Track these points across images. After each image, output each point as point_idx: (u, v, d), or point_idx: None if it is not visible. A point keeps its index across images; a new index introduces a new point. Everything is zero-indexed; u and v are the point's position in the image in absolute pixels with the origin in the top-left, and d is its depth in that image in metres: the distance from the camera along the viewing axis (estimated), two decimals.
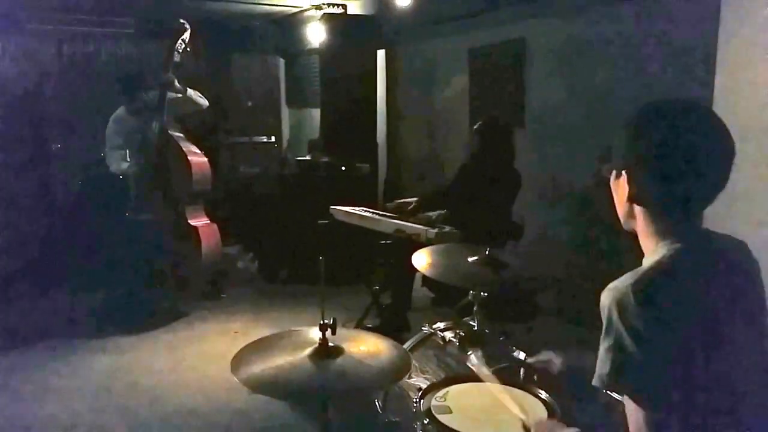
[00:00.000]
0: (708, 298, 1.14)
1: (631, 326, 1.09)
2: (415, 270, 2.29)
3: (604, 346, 1.13)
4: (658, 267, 1.17)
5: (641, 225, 1.25)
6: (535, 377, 1.75)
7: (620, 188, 1.26)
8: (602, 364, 1.13)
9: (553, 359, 1.74)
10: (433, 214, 3.52)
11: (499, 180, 3.62)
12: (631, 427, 1.13)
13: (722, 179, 1.18)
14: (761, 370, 1.22)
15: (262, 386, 1.47)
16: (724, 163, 1.17)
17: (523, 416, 1.55)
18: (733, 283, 1.20)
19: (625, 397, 1.13)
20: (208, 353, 3.74)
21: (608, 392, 1.15)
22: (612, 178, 1.29)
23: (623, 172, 1.23)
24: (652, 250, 1.23)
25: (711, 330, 1.12)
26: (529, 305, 3.50)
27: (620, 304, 1.11)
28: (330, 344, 1.54)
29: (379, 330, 3.39)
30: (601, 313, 1.15)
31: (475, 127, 3.77)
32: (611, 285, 1.15)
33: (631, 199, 1.23)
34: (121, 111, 4.54)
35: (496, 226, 3.47)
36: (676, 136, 1.15)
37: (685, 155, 1.15)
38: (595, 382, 1.15)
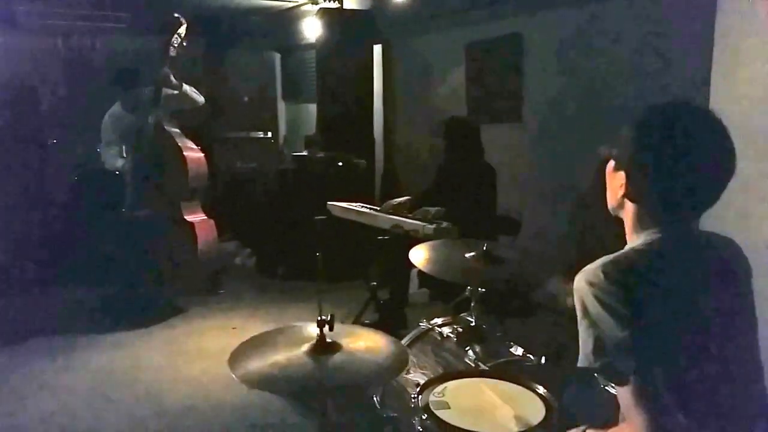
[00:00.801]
0: (686, 285, 1.17)
1: (604, 303, 1.12)
2: (413, 265, 2.28)
3: (583, 327, 1.17)
4: (630, 251, 1.22)
5: (629, 217, 1.28)
6: None
7: (615, 180, 1.28)
8: (585, 343, 1.16)
9: None
10: (432, 210, 3.52)
11: (472, 176, 3.63)
12: (623, 409, 1.14)
13: (719, 186, 1.20)
14: (749, 360, 1.24)
15: (259, 382, 1.47)
16: (723, 171, 1.19)
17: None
18: (716, 276, 1.22)
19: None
20: (206, 349, 3.73)
21: (596, 376, 1.16)
22: (610, 166, 1.30)
23: (622, 170, 1.25)
24: (631, 239, 1.27)
25: (692, 316, 1.15)
26: (527, 301, 3.51)
27: (591, 285, 1.15)
28: (328, 340, 1.54)
29: (377, 326, 3.39)
30: (575, 297, 1.19)
31: (441, 128, 3.81)
32: (583, 269, 1.19)
33: (626, 195, 1.25)
34: (116, 107, 4.52)
35: (483, 220, 3.48)
36: (675, 144, 1.16)
37: (683, 163, 1.16)
38: (580, 362, 1.17)
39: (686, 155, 1.16)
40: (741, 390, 1.20)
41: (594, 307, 1.13)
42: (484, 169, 3.70)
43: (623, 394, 1.13)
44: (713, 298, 1.19)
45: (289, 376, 1.47)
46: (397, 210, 3.58)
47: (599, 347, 1.13)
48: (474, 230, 3.00)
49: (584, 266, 1.20)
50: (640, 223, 1.25)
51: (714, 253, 1.26)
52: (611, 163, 1.29)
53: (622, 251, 1.22)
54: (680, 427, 1.10)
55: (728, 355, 1.18)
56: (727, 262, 1.27)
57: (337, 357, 1.51)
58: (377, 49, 5.86)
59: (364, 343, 1.61)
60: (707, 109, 1.22)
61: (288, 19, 6.58)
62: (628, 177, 1.23)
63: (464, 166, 3.65)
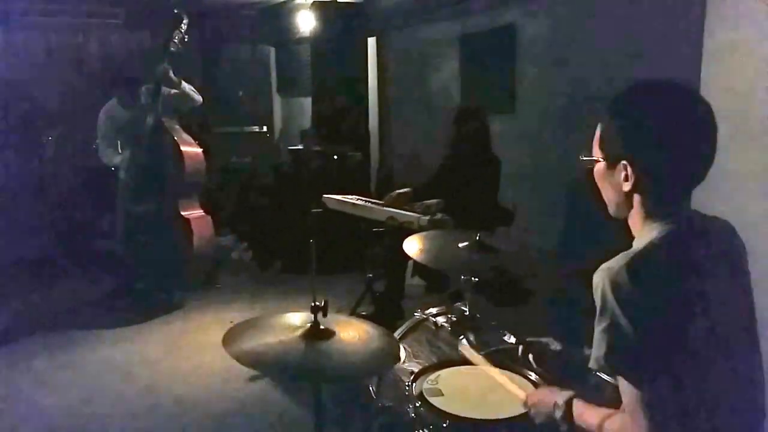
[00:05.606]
0: (698, 278, 1.15)
1: (626, 306, 1.09)
2: (408, 257, 2.30)
3: (599, 327, 1.13)
4: (651, 247, 1.16)
5: (636, 211, 1.23)
6: (531, 357, 1.77)
7: (613, 178, 1.23)
8: (598, 345, 1.14)
9: (550, 343, 1.77)
10: (431, 202, 3.53)
11: (478, 166, 3.64)
12: (626, 407, 1.13)
13: (712, 155, 1.19)
14: (749, 348, 1.24)
15: (252, 361, 1.49)
16: (713, 139, 1.18)
17: (521, 394, 1.56)
18: (721, 263, 1.21)
19: (620, 378, 1.13)
20: (204, 343, 3.75)
21: (601, 374, 1.16)
22: (600, 168, 1.26)
23: (622, 162, 1.20)
24: (642, 231, 1.22)
25: (702, 309, 1.13)
26: (520, 290, 3.53)
27: (614, 285, 1.10)
28: (321, 326, 1.55)
29: (373, 318, 3.41)
30: (594, 295, 1.15)
31: (451, 117, 3.80)
32: (604, 266, 1.15)
33: (633, 187, 1.20)
34: (112, 103, 4.51)
35: (484, 211, 3.49)
36: (669, 120, 1.16)
37: (681, 137, 1.15)
38: (591, 364, 1.15)
39: (681, 135, 1.15)
40: (743, 402, 1.20)
41: (615, 309, 1.10)
42: (491, 160, 3.71)
43: (629, 394, 1.11)
44: (725, 288, 1.19)
45: (281, 358, 1.49)
46: (398, 200, 3.58)
47: (612, 352, 1.11)
48: (471, 221, 3.01)
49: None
50: (648, 215, 1.20)
51: (720, 240, 1.25)
52: (601, 164, 1.25)
53: (642, 247, 1.17)
54: None
55: (735, 362, 1.18)
56: (731, 248, 1.26)
57: (330, 343, 1.52)
58: (371, 41, 5.86)
59: (356, 332, 1.63)
60: (680, 84, 1.21)
61: (282, 12, 6.56)
62: (630, 166, 1.18)
63: (472, 157, 3.65)
